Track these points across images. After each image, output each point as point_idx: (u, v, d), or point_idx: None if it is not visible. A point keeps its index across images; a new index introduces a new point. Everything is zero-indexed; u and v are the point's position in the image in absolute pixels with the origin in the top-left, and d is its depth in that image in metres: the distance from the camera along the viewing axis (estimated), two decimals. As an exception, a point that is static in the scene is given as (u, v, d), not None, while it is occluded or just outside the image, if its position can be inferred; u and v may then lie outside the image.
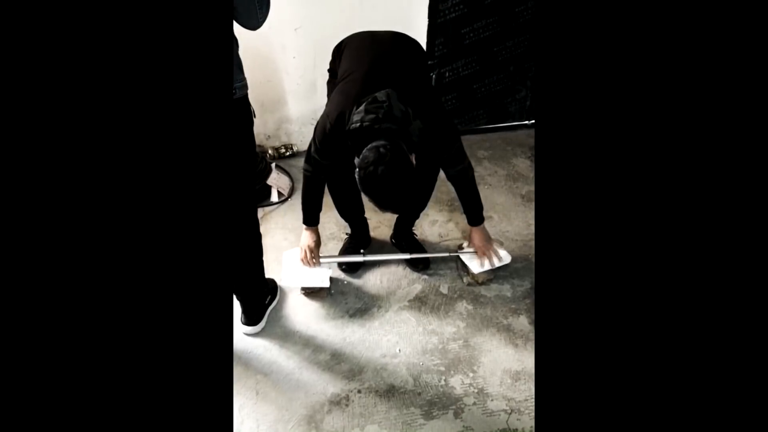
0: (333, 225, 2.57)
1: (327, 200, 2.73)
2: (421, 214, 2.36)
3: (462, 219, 2.63)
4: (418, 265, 2.29)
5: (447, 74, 3.13)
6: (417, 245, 2.36)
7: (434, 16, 2.89)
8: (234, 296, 1.90)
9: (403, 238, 2.37)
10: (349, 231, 2.37)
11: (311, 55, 2.67)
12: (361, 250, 2.27)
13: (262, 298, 1.99)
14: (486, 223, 2.59)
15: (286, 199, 2.74)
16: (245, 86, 1.49)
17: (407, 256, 2.25)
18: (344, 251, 2.31)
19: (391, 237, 2.43)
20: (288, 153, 3.07)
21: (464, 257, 2.25)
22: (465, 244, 2.32)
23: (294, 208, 2.70)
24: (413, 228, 2.39)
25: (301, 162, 3.07)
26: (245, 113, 1.51)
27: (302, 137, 3.09)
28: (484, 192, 2.84)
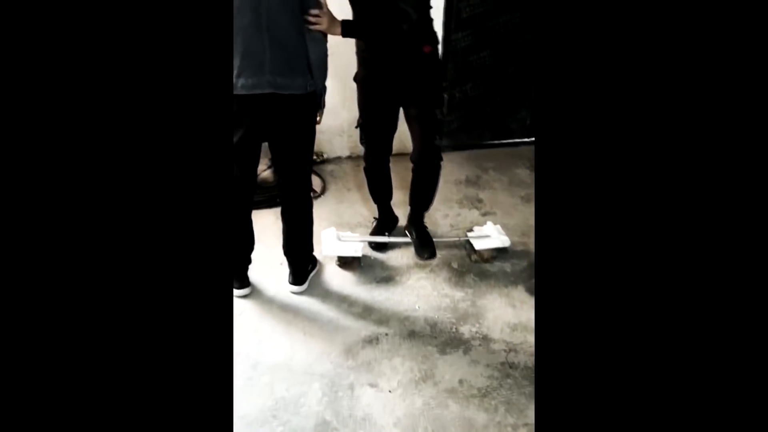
0: (359, 216, 3.02)
1: (357, 197, 3.19)
2: (436, 213, 2.80)
3: (470, 214, 3.09)
4: (424, 254, 2.65)
5: (456, 95, 3.62)
6: (426, 236, 2.71)
7: (447, 45, 3.38)
8: (286, 258, 2.37)
9: (414, 227, 2.71)
10: (377, 215, 2.80)
11: (340, 75, 3.13)
12: (386, 233, 2.72)
13: (306, 264, 2.43)
14: (491, 217, 3.03)
15: (318, 196, 3.20)
16: (313, 85, 2.01)
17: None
18: (373, 234, 2.75)
19: (405, 228, 2.82)
20: (319, 160, 3.56)
21: (472, 240, 2.69)
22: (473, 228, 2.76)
23: (326, 203, 3.16)
24: (424, 221, 2.78)
25: (330, 167, 3.56)
26: (312, 103, 2.05)
27: (331, 146, 3.59)
28: (488, 194, 3.31)
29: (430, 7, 2.26)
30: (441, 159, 2.54)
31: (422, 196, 2.64)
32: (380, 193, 2.71)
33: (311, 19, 1.94)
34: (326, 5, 1.99)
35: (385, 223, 2.78)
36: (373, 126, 2.47)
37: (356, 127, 2.51)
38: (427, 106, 2.39)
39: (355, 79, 2.41)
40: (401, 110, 2.46)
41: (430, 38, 2.29)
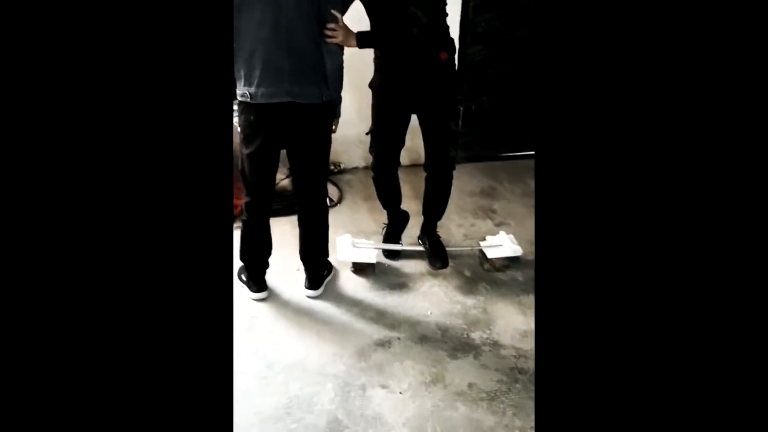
0: (375, 225, 3.08)
1: (372, 206, 3.26)
2: (450, 224, 2.86)
3: (484, 224, 3.14)
4: (436, 264, 2.68)
5: (472, 107, 3.70)
6: (439, 245, 2.74)
7: (463, 58, 3.46)
8: (302, 264, 2.45)
9: (427, 236, 2.75)
10: (386, 221, 2.83)
11: (358, 87, 3.18)
12: (399, 238, 2.78)
13: (322, 269, 2.50)
14: (504, 228, 3.06)
15: (335, 205, 3.28)
16: (329, 95, 2.12)
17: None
18: (385, 238, 2.80)
19: (418, 237, 2.87)
20: (336, 170, 3.64)
21: (484, 249, 2.74)
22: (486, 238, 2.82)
23: (343, 212, 3.23)
24: (438, 230, 2.83)
25: (347, 177, 3.64)
26: (328, 112, 2.16)
27: (348, 156, 3.68)
28: (502, 205, 3.35)
29: (446, 15, 2.32)
30: (453, 168, 2.60)
31: (435, 205, 2.69)
32: (389, 200, 2.74)
33: (328, 33, 2.03)
34: (341, 20, 2.08)
35: (395, 226, 2.81)
36: (385, 134, 2.52)
37: (367, 134, 2.56)
38: (442, 116, 2.45)
39: (371, 85, 2.47)
40: (416, 120, 2.51)
41: (446, 45, 2.34)
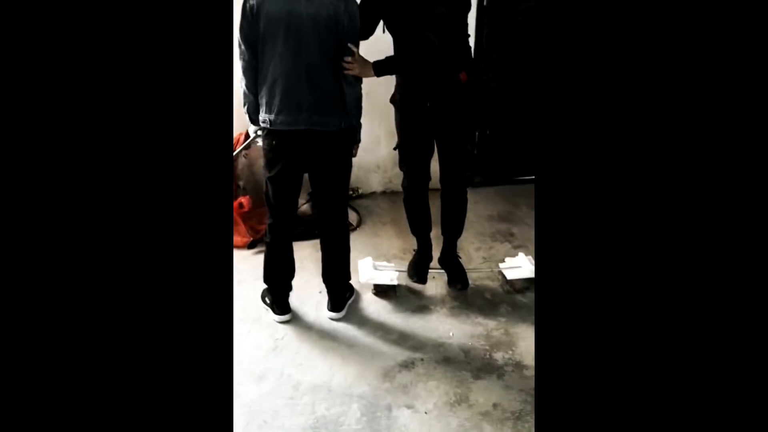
0: (395, 248, 3.12)
1: (392, 230, 3.31)
2: (469, 246, 2.88)
3: (502, 247, 3.17)
4: (457, 285, 2.73)
5: (488, 132, 3.76)
6: (459, 267, 2.78)
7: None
8: (325, 286, 2.49)
9: (448, 260, 2.79)
10: (416, 247, 2.83)
11: (377, 114, 3.25)
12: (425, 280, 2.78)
13: (344, 292, 2.53)
14: (522, 251, 3.08)
15: (354, 229, 3.32)
16: (348, 122, 2.19)
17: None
18: (413, 265, 2.80)
19: (438, 259, 2.89)
20: (355, 195, 3.70)
21: (504, 270, 2.76)
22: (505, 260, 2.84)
23: (362, 236, 3.28)
24: (458, 252, 2.85)
25: (366, 202, 3.69)
26: (348, 138, 2.22)
27: (367, 181, 3.73)
28: (520, 228, 3.38)
29: (467, 36, 2.40)
30: (467, 185, 2.63)
31: (452, 222, 2.70)
32: (419, 223, 2.74)
33: (345, 65, 2.11)
34: (357, 52, 2.15)
35: (424, 256, 2.79)
36: (411, 147, 2.55)
37: (394, 149, 2.60)
38: (460, 136, 2.50)
39: (392, 100, 2.53)
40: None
41: (466, 66, 2.39)
